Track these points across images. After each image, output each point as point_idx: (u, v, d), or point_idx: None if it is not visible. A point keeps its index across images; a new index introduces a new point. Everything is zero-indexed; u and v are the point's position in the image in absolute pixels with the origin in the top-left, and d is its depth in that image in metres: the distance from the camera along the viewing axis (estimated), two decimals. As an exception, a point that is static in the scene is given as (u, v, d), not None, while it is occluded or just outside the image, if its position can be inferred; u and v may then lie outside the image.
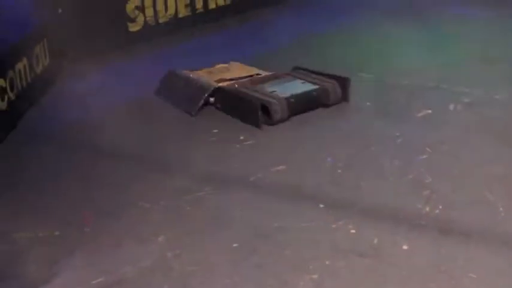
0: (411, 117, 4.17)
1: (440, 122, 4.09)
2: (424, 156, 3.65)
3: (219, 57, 5.20)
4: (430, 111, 4.22)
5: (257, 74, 4.78)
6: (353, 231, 3.00)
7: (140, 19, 6.06)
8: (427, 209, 3.14)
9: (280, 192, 3.40)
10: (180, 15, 6.39)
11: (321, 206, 3.22)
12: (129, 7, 5.96)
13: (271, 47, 5.69)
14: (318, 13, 6.80)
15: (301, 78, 4.58)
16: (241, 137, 4.00)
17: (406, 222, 3.04)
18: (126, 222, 3.16)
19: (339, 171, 3.56)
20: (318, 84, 4.43)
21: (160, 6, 6.19)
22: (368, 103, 4.43)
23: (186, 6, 6.42)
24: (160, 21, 6.23)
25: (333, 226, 3.04)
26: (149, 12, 6.12)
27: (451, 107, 4.27)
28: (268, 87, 4.47)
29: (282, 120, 4.17)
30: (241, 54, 5.36)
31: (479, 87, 4.55)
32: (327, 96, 4.37)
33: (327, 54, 5.49)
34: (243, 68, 4.95)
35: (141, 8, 6.04)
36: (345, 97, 4.43)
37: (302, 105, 4.30)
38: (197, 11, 6.53)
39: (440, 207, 3.15)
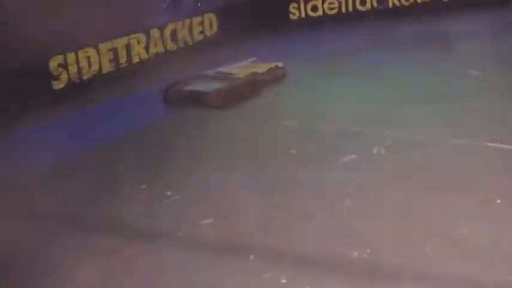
0: (337, 162, 4.22)
1: (365, 166, 4.16)
2: (351, 201, 3.70)
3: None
4: (354, 155, 4.28)
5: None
6: (284, 280, 3.01)
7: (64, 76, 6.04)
8: (356, 253, 3.18)
9: (209, 245, 3.40)
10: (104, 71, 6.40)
11: (251, 257, 3.23)
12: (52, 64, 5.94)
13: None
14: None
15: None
16: (168, 193, 4.00)
17: (336, 268, 3.06)
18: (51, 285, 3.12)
19: (268, 220, 3.58)
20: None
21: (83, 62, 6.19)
22: (293, 151, 4.47)
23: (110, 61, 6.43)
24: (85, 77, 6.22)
25: (264, 277, 3.05)
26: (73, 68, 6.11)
27: (375, 150, 4.34)
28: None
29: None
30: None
31: (401, 129, 4.64)
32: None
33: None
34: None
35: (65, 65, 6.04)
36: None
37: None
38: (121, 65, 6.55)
39: (368, 251, 3.19)
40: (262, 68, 6.25)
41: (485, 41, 7.01)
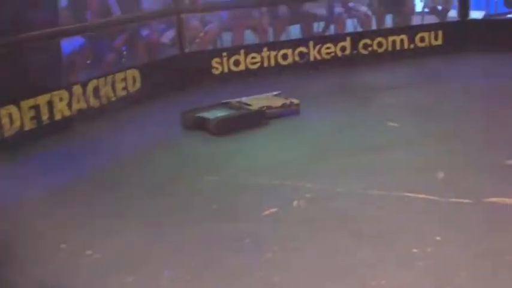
0: (257, 216, 4.26)
1: (285, 219, 4.21)
2: (271, 255, 3.74)
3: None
4: (275, 209, 4.34)
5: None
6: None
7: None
8: (276, 307, 3.23)
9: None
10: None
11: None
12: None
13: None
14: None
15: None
16: (89, 251, 3.97)
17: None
18: None
19: (189, 277, 3.59)
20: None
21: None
22: (214, 206, 4.51)
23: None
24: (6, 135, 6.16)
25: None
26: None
27: (295, 203, 4.41)
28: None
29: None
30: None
31: (320, 182, 4.73)
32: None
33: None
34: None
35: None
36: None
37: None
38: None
39: (288, 304, 3.25)
40: (277, 101, 6.71)
41: (403, 92, 7.23)
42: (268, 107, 6.54)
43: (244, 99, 6.82)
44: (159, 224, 4.32)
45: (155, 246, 4.01)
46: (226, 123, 6.18)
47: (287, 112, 6.58)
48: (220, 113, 6.35)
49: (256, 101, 6.73)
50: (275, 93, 7.06)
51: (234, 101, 6.67)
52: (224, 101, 6.71)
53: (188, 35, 8.51)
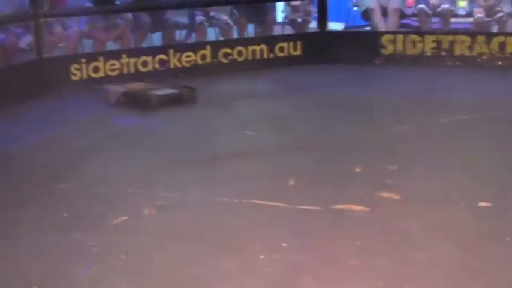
0: (107, 225, 4.21)
1: (135, 227, 4.18)
2: (120, 264, 3.71)
3: None
4: (125, 217, 4.30)
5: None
6: None
7: None
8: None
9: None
10: None
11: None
12: None
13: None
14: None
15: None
16: None
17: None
18: None
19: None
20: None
21: None
22: (65, 214, 4.43)
23: None
24: None
25: None
26: None
27: (146, 211, 4.39)
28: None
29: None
30: None
31: (173, 190, 4.73)
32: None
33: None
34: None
35: None
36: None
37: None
38: None
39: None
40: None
41: (261, 101, 7.35)
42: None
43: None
44: (3, 231, 4.21)
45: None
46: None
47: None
48: None
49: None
50: None
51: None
52: None
53: (50, 40, 8.34)
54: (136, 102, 7.25)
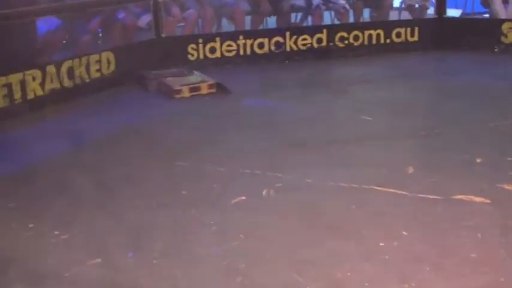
0: (226, 204, 4.26)
1: (254, 208, 4.21)
2: (238, 243, 3.74)
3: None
4: (244, 197, 4.34)
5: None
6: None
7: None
8: (241, 295, 3.23)
9: (95, 286, 3.39)
10: None
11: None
12: None
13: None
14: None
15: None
16: (56, 232, 3.96)
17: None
18: None
19: (155, 262, 3.59)
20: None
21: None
22: (184, 191, 4.51)
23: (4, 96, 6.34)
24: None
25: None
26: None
27: (264, 192, 4.41)
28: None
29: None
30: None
31: (291, 172, 4.73)
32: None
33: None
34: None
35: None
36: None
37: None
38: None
39: (253, 292, 3.25)
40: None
41: (378, 87, 7.26)
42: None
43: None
44: (126, 205, 4.32)
45: (120, 229, 4.00)
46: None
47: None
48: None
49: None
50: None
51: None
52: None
53: (168, 21, 8.47)
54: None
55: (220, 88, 7.13)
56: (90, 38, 8.43)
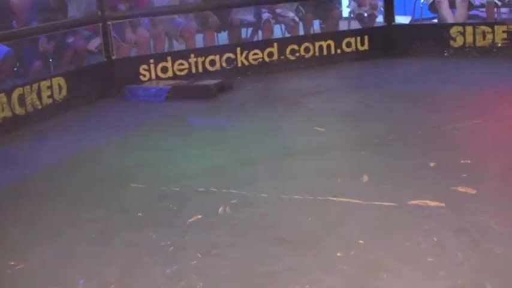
0: (182, 224, 4.23)
1: (211, 225, 4.19)
2: (195, 262, 3.72)
3: None
4: (200, 216, 4.32)
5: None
6: None
7: None
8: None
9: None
10: None
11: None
12: None
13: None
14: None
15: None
16: (12, 262, 3.90)
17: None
18: None
19: (112, 286, 3.55)
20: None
21: None
22: (140, 213, 4.48)
23: None
24: None
25: None
26: None
27: (220, 209, 4.39)
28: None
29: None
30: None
31: (245, 188, 4.72)
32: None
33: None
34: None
35: None
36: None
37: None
38: None
39: (210, 311, 3.23)
40: None
41: (330, 97, 7.30)
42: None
43: None
44: (80, 231, 4.27)
45: (76, 255, 3.95)
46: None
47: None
48: None
49: None
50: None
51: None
52: None
53: (122, 48, 8.45)
54: (192, 94, 7.56)
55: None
56: (41, 64, 8.35)
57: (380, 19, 10.29)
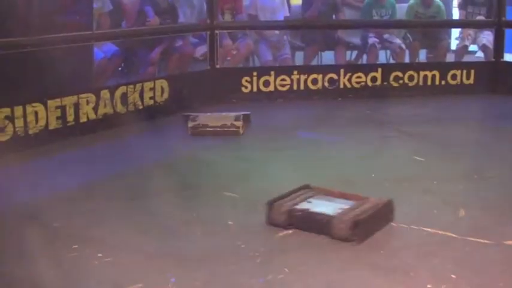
0: (273, 236, 4.23)
1: (299, 241, 4.17)
2: (282, 276, 3.69)
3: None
4: (291, 231, 4.29)
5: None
6: None
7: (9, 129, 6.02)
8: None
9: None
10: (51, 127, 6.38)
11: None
12: (-1, 116, 5.94)
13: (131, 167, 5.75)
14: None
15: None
16: (100, 254, 3.95)
17: None
18: None
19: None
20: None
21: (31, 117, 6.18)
22: (230, 222, 4.48)
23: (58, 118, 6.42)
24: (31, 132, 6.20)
25: None
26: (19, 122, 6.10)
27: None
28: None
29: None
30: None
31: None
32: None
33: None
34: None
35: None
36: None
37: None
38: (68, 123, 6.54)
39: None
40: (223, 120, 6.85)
41: (432, 128, 7.17)
42: (204, 125, 6.74)
43: (200, 116, 6.93)
44: (172, 234, 4.29)
45: (164, 256, 3.98)
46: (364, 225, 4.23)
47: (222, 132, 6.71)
48: (332, 205, 4.51)
49: (209, 119, 6.84)
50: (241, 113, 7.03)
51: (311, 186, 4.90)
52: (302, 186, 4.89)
53: (220, 52, 8.52)
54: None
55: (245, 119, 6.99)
56: (154, 69, 8.51)
57: (479, 55, 10.10)
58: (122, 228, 4.38)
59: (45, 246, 4.08)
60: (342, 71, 8.64)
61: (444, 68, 8.98)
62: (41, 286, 3.61)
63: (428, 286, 3.59)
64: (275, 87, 8.40)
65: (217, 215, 4.62)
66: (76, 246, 4.08)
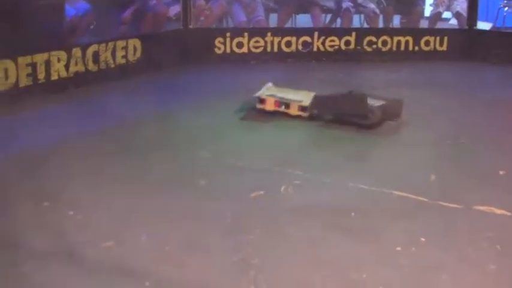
0: (244, 197, 4.22)
1: (271, 203, 4.17)
2: (253, 237, 3.69)
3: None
4: (262, 192, 4.29)
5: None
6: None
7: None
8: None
9: (106, 269, 3.35)
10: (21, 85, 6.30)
11: (147, 283, 3.20)
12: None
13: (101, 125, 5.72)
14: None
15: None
16: (71, 212, 3.93)
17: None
18: None
19: (167, 248, 3.55)
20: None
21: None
22: (202, 181, 4.47)
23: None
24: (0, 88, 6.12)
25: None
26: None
27: (282, 188, 4.36)
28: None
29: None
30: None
31: (310, 171, 4.68)
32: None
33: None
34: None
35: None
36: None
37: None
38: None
39: (265, 286, 3.20)
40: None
41: (404, 93, 7.15)
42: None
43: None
44: (144, 191, 4.30)
45: (137, 213, 3.98)
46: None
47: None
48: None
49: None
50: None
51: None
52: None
53: (193, 13, 8.42)
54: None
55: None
56: (125, 28, 8.39)
57: (453, 22, 10.10)
58: (92, 187, 4.35)
59: (14, 204, 4.04)
60: (316, 34, 8.61)
61: (418, 34, 8.99)
62: (11, 244, 3.58)
63: (398, 248, 3.62)
64: (249, 48, 8.35)
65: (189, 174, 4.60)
66: (47, 203, 4.05)
